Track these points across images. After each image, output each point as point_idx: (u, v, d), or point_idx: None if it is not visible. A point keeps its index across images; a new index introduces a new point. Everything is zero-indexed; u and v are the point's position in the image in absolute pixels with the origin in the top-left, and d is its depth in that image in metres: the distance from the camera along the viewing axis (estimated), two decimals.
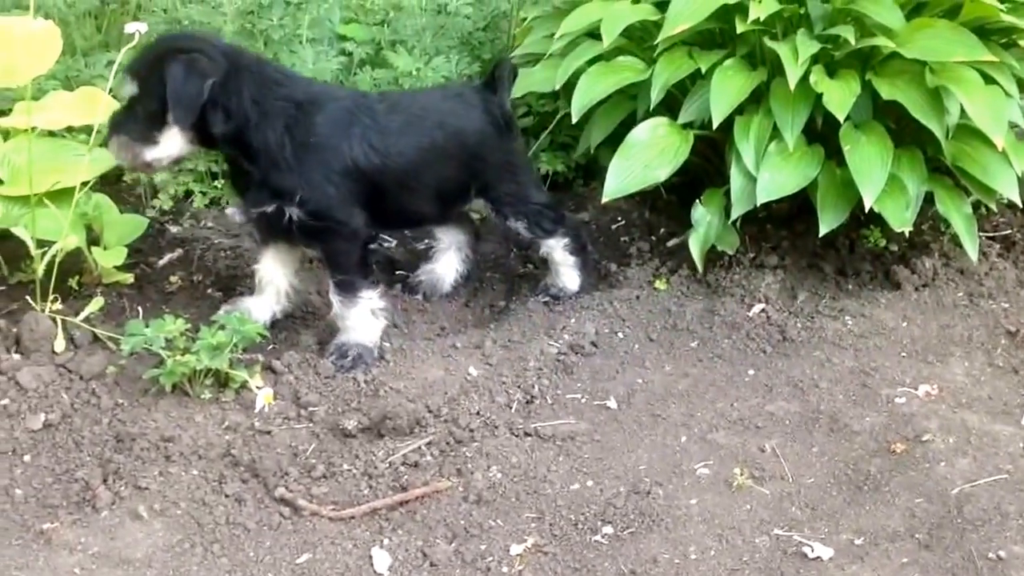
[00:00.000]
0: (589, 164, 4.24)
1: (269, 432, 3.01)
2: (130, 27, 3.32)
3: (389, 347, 3.38)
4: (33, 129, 3.43)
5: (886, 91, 3.57)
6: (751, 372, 3.44)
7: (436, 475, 2.93)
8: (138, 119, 3.18)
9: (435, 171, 3.45)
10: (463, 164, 3.50)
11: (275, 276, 3.45)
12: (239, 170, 3.32)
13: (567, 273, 3.71)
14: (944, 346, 3.57)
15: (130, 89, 3.18)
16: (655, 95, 3.62)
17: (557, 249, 3.69)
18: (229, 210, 3.41)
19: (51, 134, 3.66)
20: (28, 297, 3.37)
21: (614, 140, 3.74)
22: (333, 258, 3.36)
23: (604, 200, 3.65)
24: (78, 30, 4.28)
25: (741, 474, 3.00)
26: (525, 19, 4.28)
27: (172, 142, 3.20)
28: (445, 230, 3.74)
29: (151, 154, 3.21)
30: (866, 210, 3.52)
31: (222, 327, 3.11)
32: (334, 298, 3.34)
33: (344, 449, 2.98)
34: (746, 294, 3.73)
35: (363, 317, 3.34)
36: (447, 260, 3.76)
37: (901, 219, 3.58)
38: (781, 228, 4.00)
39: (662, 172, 3.63)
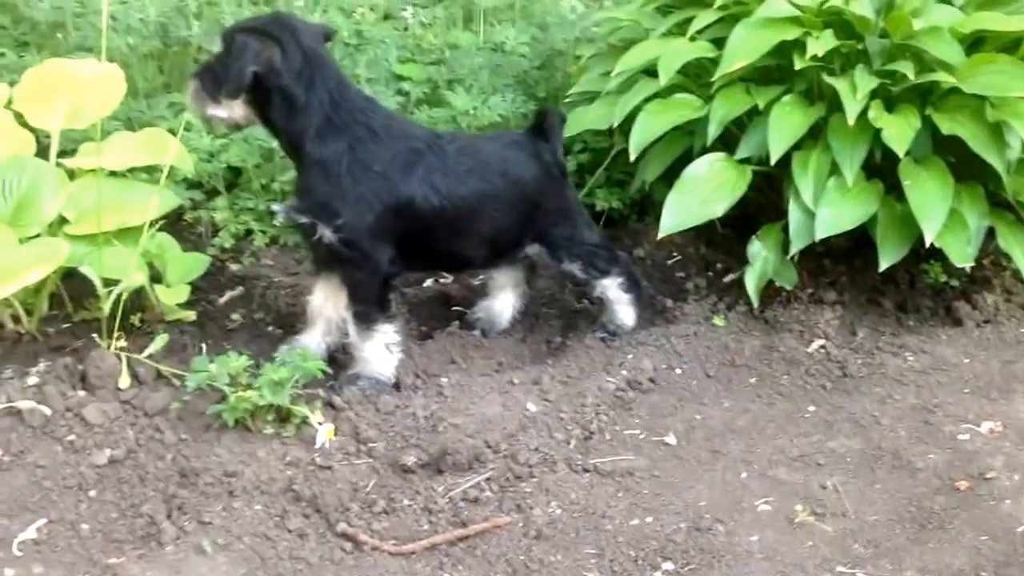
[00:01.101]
0: (644, 200, 4.25)
1: (330, 467, 3.03)
2: None
3: (447, 382, 3.39)
4: (101, 170, 3.49)
5: (946, 126, 3.55)
6: (811, 408, 3.41)
7: (496, 510, 2.93)
8: (213, 76, 3.29)
9: (492, 218, 3.47)
10: (521, 212, 3.52)
11: (326, 307, 3.47)
12: (298, 172, 3.39)
13: (623, 310, 3.71)
14: (1007, 383, 3.53)
15: (218, 48, 3.29)
16: (712, 131, 3.63)
17: (612, 288, 3.69)
18: (275, 206, 3.49)
19: (113, 174, 3.73)
20: (94, 335, 3.42)
21: (669, 176, 3.75)
22: (352, 288, 3.38)
23: (660, 235, 3.65)
24: (140, 72, 4.36)
25: (803, 511, 2.97)
26: (580, 57, 4.32)
27: (232, 108, 3.30)
28: (502, 267, 3.75)
29: (211, 110, 3.33)
30: (926, 245, 3.50)
31: (284, 363, 3.14)
32: (351, 328, 3.38)
33: (404, 484, 2.99)
34: (805, 330, 3.70)
35: (378, 350, 3.37)
36: (504, 296, 3.77)
37: (962, 254, 3.55)
38: (840, 264, 3.98)
39: (719, 207, 3.63)
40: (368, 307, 3.36)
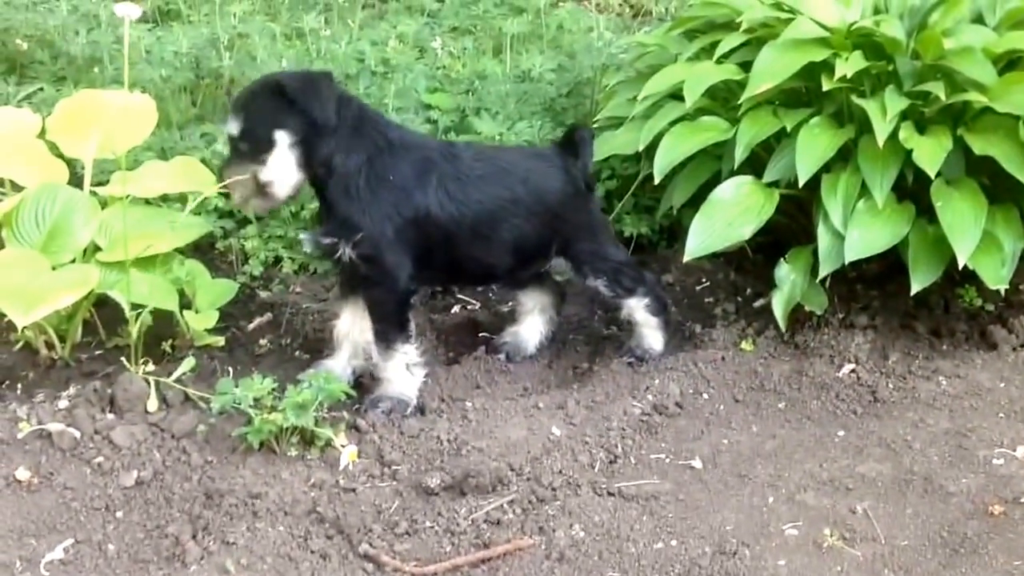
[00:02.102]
0: (672, 226, 4.24)
1: (353, 489, 3.03)
2: (119, 8, 3.49)
3: (471, 406, 3.39)
4: (128, 197, 3.54)
5: (979, 146, 3.51)
6: (841, 433, 3.36)
7: (518, 533, 2.90)
8: (246, 150, 3.28)
9: (513, 225, 3.47)
10: (543, 222, 3.51)
11: (352, 331, 3.49)
12: (321, 200, 3.40)
13: (650, 334, 3.68)
14: None
15: (235, 126, 3.28)
16: (739, 154, 3.61)
17: (638, 310, 3.66)
18: (303, 235, 3.51)
19: (147, 202, 3.78)
20: (124, 359, 3.46)
21: (697, 201, 3.72)
22: (372, 307, 3.39)
23: (686, 259, 3.62)
24: (174, 104, 4.43)
25: (831, 535, 2.92)
26: (607, 86, 4.33)
27: (282, 160, 3.26)
28: (530, 292, 3.75)
29: (263, 175, 3.27)
30: (960, 268, 3.45)
31: (308, 385, 3.15)
32: (373, 347, 3.39)
33: (427, 506, 2.98)
34: (835, 355, 3.66)
35: (399, 370, 3.38)
36: (532, 322, 3.76)
37: (997, 277, 3.50)
38: (872, 288, 3.94)
39: (746, 230, 3.60)
40: (388, 326, 3.37)
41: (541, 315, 3.76)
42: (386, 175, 3.31)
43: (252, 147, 3.28)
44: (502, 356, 3.70)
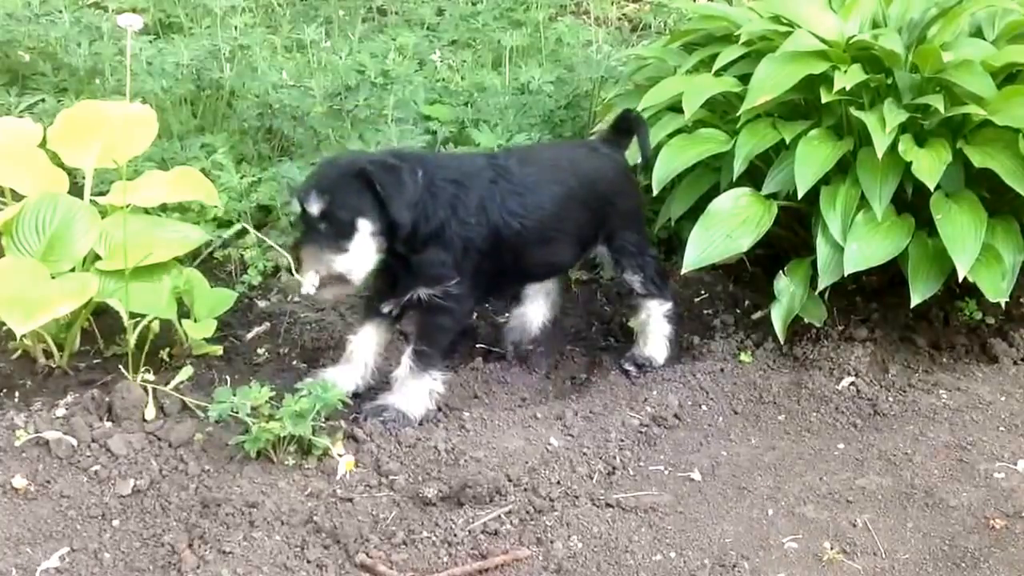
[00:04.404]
0: (671, 237, 4.24)
1: (351, 499, 3.02)
2: (122, 19, 3.51)
3: (469, 416, 3.38)
4: (128, 207, 3.54)
5: (978, 159, 3.52)
6: (841, 446, 3.35)
7: (516, 544, 2.89)
8: (325, 232, 3.18)
9: (573, 217, 3.49)
10: (595, 210, 3.53)
11: (367, 351, 3.48)
12: (393, 263, 3.31)
13: (657, 342, 3.68)
14: None
15: (316, 207, 3.16)
16: (738, 166, 3.62)
17: (657, 313, 3.68)
18: (384, 307, 3.43)
19: (147, 212, 3.78)
20: (122, 368, 3.45)
21: (695, 213, 3.73)
22: (429, 330, 3.37)
23: (684, 270, 3.63)
24: (175, 115, 4.44)
25: (831, 549, 2.91)
26: (605, 98, 4.33)
27: (362, 249, 3.19)
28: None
29: (342, 264, 3.18)
30: (960, 280, 3.45)
31: (306, 394, 3.14)
32: (406, 361, 3.35)
33: (424, 517, 2.97)
34: (835, 367, 3.66)
35: (419, 392, 3.36)
36: (537, 305, 3.77)
37: (996, 289, 3.50)
38: (871, 301, 3.94)
39: (744, 242, 3.61)
40: (435, 351, 3.36)
41: (546, 298, 3.78)
42: (468, 219, 3.30)
43: (332, 233, 3.17)
44: (509, 345, 3.73)
